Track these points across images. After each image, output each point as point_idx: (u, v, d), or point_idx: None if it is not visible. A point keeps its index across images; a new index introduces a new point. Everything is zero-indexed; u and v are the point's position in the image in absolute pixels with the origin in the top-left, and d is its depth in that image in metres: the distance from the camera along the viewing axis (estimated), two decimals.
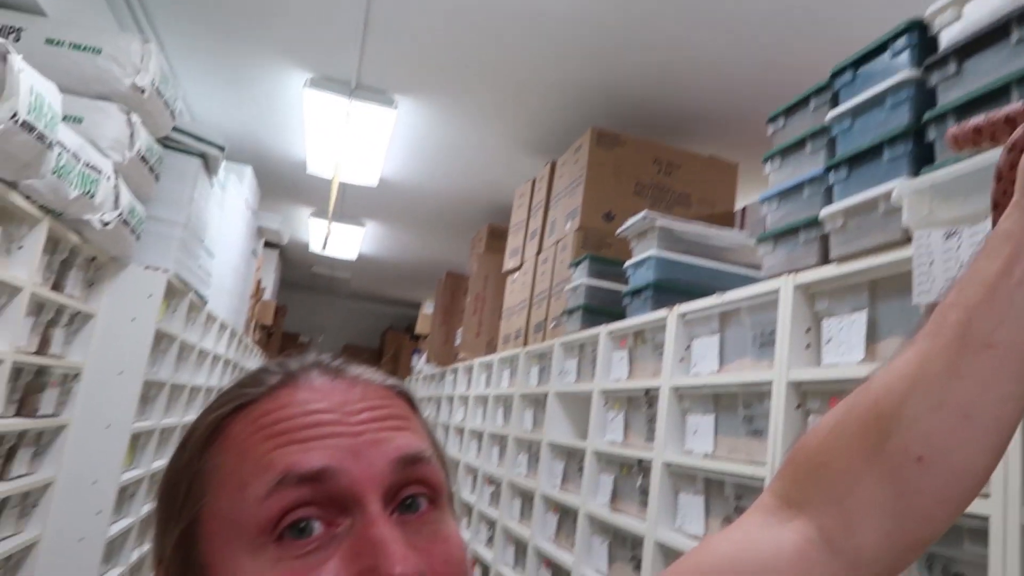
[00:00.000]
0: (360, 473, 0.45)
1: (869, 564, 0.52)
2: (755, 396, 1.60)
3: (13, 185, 1.90)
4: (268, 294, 7.21)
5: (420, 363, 7.03)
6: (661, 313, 2.05)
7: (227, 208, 4.01)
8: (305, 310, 9.88)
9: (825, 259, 1.42)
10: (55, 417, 2.56)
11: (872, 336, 1.30)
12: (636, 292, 2.29)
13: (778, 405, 1.45)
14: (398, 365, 9.19)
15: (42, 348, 2.41)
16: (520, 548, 2.96)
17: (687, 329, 1.95)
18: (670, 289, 2.16)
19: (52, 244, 2.30)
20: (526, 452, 3.16)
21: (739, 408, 1.65)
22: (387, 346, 9.81)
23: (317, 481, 0.44)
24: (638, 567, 1.92)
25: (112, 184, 2.38)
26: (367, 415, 0.48)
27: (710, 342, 1.82)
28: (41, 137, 1.79)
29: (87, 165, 2.18)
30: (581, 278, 2.77)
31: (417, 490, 0.48)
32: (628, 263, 2.37)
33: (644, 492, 1.97)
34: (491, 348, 4.26)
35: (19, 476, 2.38)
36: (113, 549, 2.97)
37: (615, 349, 2.38)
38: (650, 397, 2.06)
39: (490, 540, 3.40)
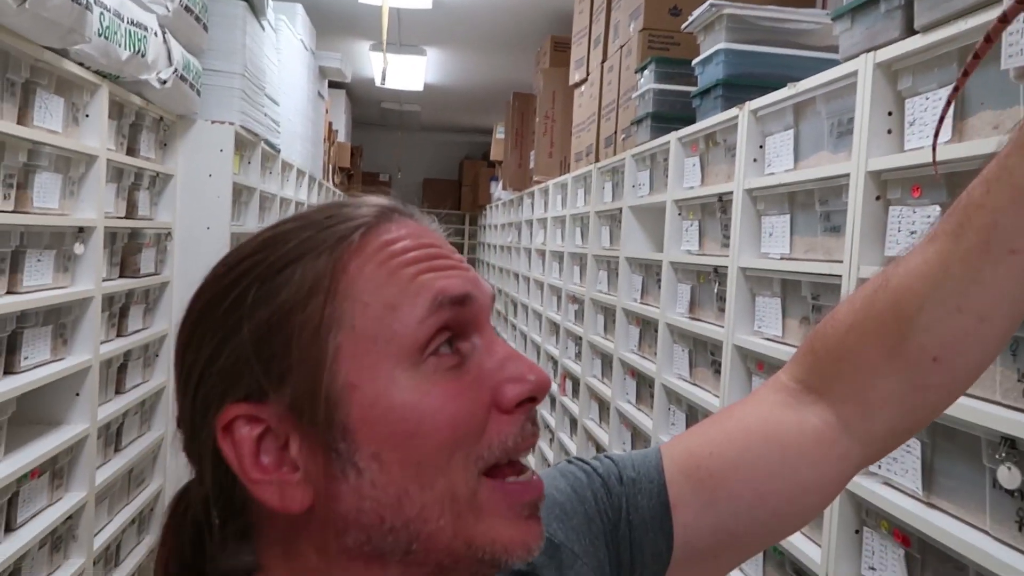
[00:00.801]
0: (482, 302, 0.50)
1: (876, 444, 0.61)
2: (832, 191, 1.51)
3: (64, 53, 1.91)
4: (341, 136, 7.24)
5: (497, 189, 7.03)
6: (732, 112, 1.92)
7: (284, 52, 3.93)
8: (380, 148, 9.91)
9: (909, 31, 1.27)
10: (156, 275, 2.73)
11: (960, 112, 1.18)
12: (705, 92, 2.15)
13: (856, 198, 1.36)
14: (477, 192, 9.24)
15: (130, 212, 2.53)
16: (606, 360, 3.06)
17: (760, 127, 1.83)
18: (742, 85, 2.01)
19: (117, 109, 2.34)
20: (605, 269, 3.17)
21: (815, 206, 1.57)
22: (465, 176, 9.83)
23: (462, 305, 0.48)
24: (718, 371, 1.96)
25: (161, 40, 2.36)
26: (459, 256, 0.52)
27: (784, 138, 1.71)
28: None
29: (131, 23, 2.16)
30: (648, 83, 2.61)
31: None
32: (696, 60, 2.21)
33: (721, 299, 1.96)
34: (564, 168, 4.18)
35: (136, 331, 2.59)
36: None
37: (687, 156, 2.28)
38: (723, 203, 1.99)
39: (577, 355, 3.53)
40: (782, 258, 1.69)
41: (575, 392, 3.54)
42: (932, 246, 0.56)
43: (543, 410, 4.30)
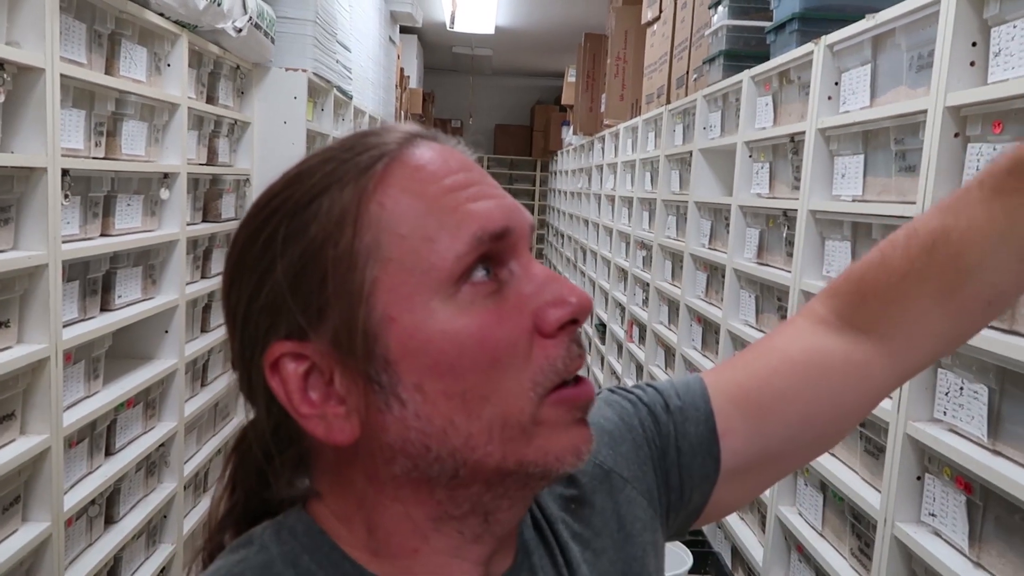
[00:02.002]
0: (520, 231, 0.49)
1: (912, 370, 0.65)
2: (909, 128, 1.45)
3: (145, 4, 1.98)
4: (413, 82, 7.26)
5: (568, 135, 6.95)
6: (807, 47, 1.85)
7: None
8: (453, 94, 9.89)
9: None
10: (237, 220, 2.85)
11: None
12: (780, 27, 2.07)
13: (933, 135, 1.31)
14: (548, 138, 9.15)
15: (211, 159, 2.64)
16: (673, 306, 3.04)
17: (836, 62, 1.76)
18: (819, 19, 1.92)
19: (196, 58, 2.42)
20: (674, 214, 3.13)
21: (891, 144, 1.51)
22: (536, 121, 9.73)
23: (501, 238, 0.48)
24: (784, 317, 1.93)
25: None
26: (493, 181, 0.51)
27: (860, 73, 1.64)
28: None
29: None
30: (722, 19, 2.53)
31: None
32: None
33: (790, 243, 1.92)
34: (636, 111, 4.10)
35: (218, 273, 2.72)
36: None
37: (759, 95, 2.21)
38: (795, 143, 1.93)
39: (645, 301, 3.52)
40: (854, 200, 1.64)
41: (642, 338, 3.54)
42: (997, 201, 0.58)
43: (611, 357, 4.32)
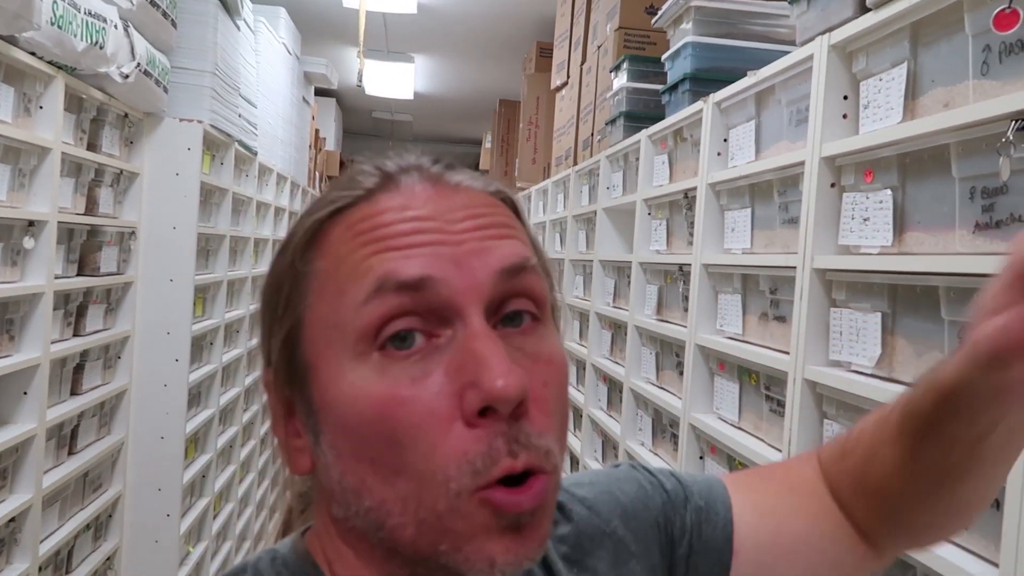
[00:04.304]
0: (462, 283, 0.43)
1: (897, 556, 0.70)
2: (790, 180, 1.46)
3: (12, 41, 1.86)
4: (331, 144, 7.21)
5: None
6: (697, 105, 1.88)
7: (263, 54, 3.90)
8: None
9: (862, 8, 1.22)
10: (120, 275, 2.68)
11: (912, 92, 1.13)
12: (674, 87, 2.11)
13: (811, 185, 1.31)
14: None
15: (90, 208, 2.48)
16: (580, 365, 3.00)
17: (724, 119, 1.78)
18: (708, 79, 1.96)
19: (76, 102, 2.29)
20: (581, 273, 3.12)
21: (774, 196, 1.52)
22: None
23: (416, 290, 0.42)
24: (682, 372, 1.89)
25: (122, 32, 2.31)
26: (470, 223, 0.45)
27: (746, 129, 1.66)
28: None
29: (88, 13, 2.11)
30: (622, 82, 2.57)
31: (520, 305, 0.45)
32: (665, 55, 2.17)
33: (686, 298, 1.90)
34: (547, 174, 4.14)
35: (95, 331, 2.53)
36: (200, 393, 3.19)
37: (656, 154, 2.23)
38: (689, 199, 1.94)
39: None
40: (743, 252, 1.64)
41: None
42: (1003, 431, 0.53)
43: None
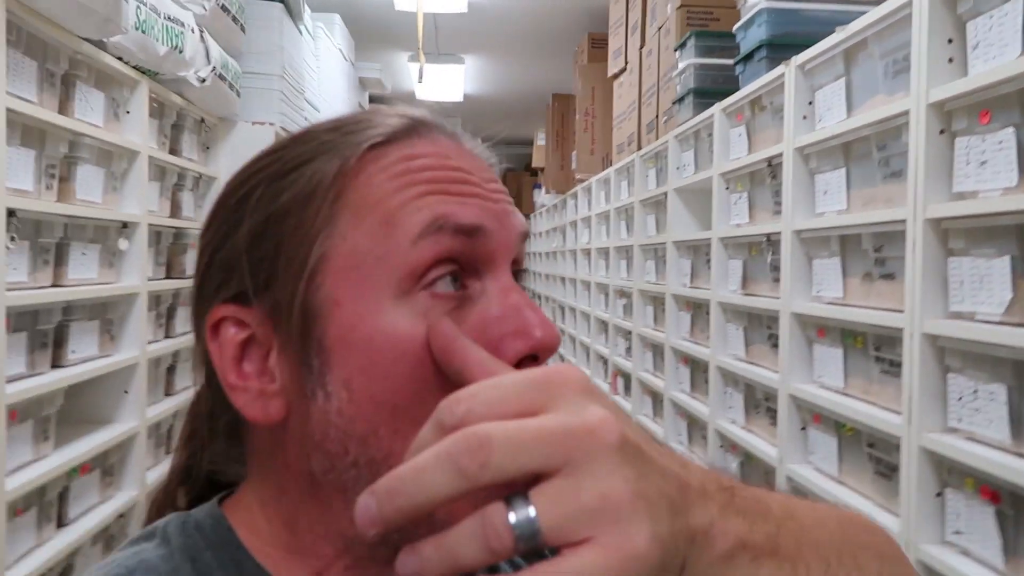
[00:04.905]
0: (501, 239, 0.44)
1: None
2: (891, 133, 1.42)
3: (102, 46, 1.93)
4: None
5: (540, 196, 6.99)
6: (778, 71, 1.84)
7: (322, 59, 3.97)
8: None
9: None
10: None
11: None
12: (748, 57, 2.07)
13: (918, 135, 1.27)
14: (521, 204, 9.21)
15: (174, 212, 2.55)
16: (657, 351, 2.96)
17: (808, 81, 1.74)
18: (785, 44, 1.92)
19: (159, 107, 2.37)
20: (652, 258, 3.09)
21: (873, 153, 1.48)
22: (508, 188, 9.80)
23: (469, 236, 0.43)
24: (775, 344, 1.85)
25: (198, 37, 2.38)
26: (494, 185, 0.47)
27: (835, 88, 1.62)
28: None
29: (168, 18, 2.18)
30: (688, 59, 2.54)
31: (517, 267, 0.48)
32: (736, 26, 2.14)
33: (776, 268, 1.86)
34: (607, 163, 4.11)
35: (184, 333, 2.60)
36: None
37: (732, 126, 2.19)
38: (773, 167, 1.90)
39: (627, 350, 3.44)
40: (839, 214, 1.59)
41: (627, 389, 3.45)
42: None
43: None
